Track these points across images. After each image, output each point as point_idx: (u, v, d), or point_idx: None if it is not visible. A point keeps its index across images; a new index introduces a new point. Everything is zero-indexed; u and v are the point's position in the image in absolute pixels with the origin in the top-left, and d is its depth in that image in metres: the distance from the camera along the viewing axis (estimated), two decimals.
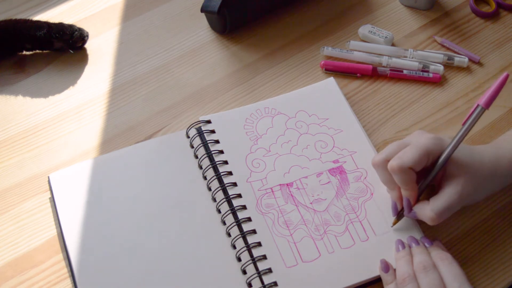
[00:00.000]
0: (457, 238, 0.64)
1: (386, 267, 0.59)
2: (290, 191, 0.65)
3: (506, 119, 0.74)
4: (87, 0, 0.85)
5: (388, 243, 0.61)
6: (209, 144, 0.68)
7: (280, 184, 0.65)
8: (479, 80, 0.77)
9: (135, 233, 0.62)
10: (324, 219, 0.63)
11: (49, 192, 0.66)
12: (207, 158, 0.67)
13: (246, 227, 0.62)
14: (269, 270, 0.59)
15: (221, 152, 0.67)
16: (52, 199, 0.65)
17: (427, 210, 0.59)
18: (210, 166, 0.66)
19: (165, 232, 0.63)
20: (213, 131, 0.69)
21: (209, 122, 0.70)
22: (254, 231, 0.62)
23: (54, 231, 0.64)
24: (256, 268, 0.59)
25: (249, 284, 0.59)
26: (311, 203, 0.64)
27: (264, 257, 0.60)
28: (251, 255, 0.60)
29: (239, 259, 0.61)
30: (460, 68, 0.78)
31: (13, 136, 0.71)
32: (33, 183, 0.67)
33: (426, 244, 0.61)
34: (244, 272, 0.60)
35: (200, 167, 0.67)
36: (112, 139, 0.71)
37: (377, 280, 0.60)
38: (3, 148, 0.70)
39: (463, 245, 0.64)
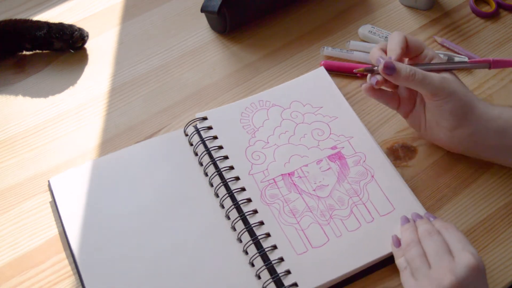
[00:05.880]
0: None
1: (398, 242, 0.61)
2: (292, 180, 0.66)
3: None
4: (87, 0, 0.85)
5: (393, 222, 0.63)
6: (208, 141, 0.68)
7: (282, 174, 0.66)
8: (479, 80, 0.77)
9: (140, 233, 0.62)
10: (328, 204, 0.64)
11: (49, 192, 0.66)
12: (207, 155, 0.67)
13: (253, 219, 0.63)
14: (281, 259, 0.60)
15: (221, 147, 0.68)
16: (54, 203, 0.65)
17: (407, 67, 0.62)
18: (211, 162, 0.67)
19: (170, 230, 0.63)
20: (210, 128, 0.69)
21: (205, 119, 0.70)
22: (261, 223, 0.62)
23: (54, 231, 0.64)
24: (268, 259, 0.60)
25: (259, 276, 0.60)
26: (314, 190, 0.65)
27: (274, 247, 0.61)
28: (261, 246, 0.61)
29: (246, 252, 0.61)
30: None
31: (13, 136, 0.71)
32: (33, 183, 0.67)
33: (430, 218, 0.62)
34: (254, 264, 0.61)
35: (201, 164, 0.67)
36: (112, 139, 0.71)
37: (384, 265, 0.62)
38: (3, 148, 0.70)
39: None
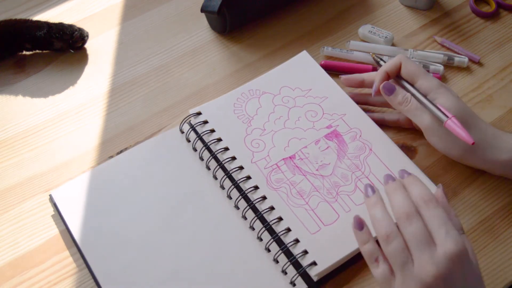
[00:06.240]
0: None
1: (359, 223, 0.55)
2: (294, 163, 0.67)
3: (506, 119, 0.74)
4: (87, 0, 0.85)
5: None
6: (206, 134, 0.69)
7: (283, 159, 0.67)
8: (479, 80, 0.77)
9: (153, 234, 0.62)
10: (333, 182, 0.65)
11: (49, 191, 0.66)
12: (206, 149, 0.68)
13: (263, 205, 0.63)
14: (297, 241, 0.61)
15: (220, 140, 0.68)
16: (59, 216, 0.64)
17: (405, 93, 0.65)
18: (211, 156, 0.67)
19: (181, 228, 0.63)
20: (206, 122, 0.70)
21: (199, 114, 0.71)
22: (272, 208, 0.63)
23: (54, 231, 0.64)
24: (283, 243, 0.61)
25: (276, 261, 0.60)
26: (317, 170, 0.66)
27: (288, 230, 0.62)
28: (274, 231, 0.62)
29: (260, 239, 0.62)
30: (460, 68, 0.78)
31: (13, 136, 0.71)
32: (33, 183, 0.67)
33: (404, 175, 0.56)
34: (270, 250, 0.61)
35: (202, 159, 0.68)
36: (112, 139, 0.71)
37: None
38: (3, 148, 0.70)
39: None
